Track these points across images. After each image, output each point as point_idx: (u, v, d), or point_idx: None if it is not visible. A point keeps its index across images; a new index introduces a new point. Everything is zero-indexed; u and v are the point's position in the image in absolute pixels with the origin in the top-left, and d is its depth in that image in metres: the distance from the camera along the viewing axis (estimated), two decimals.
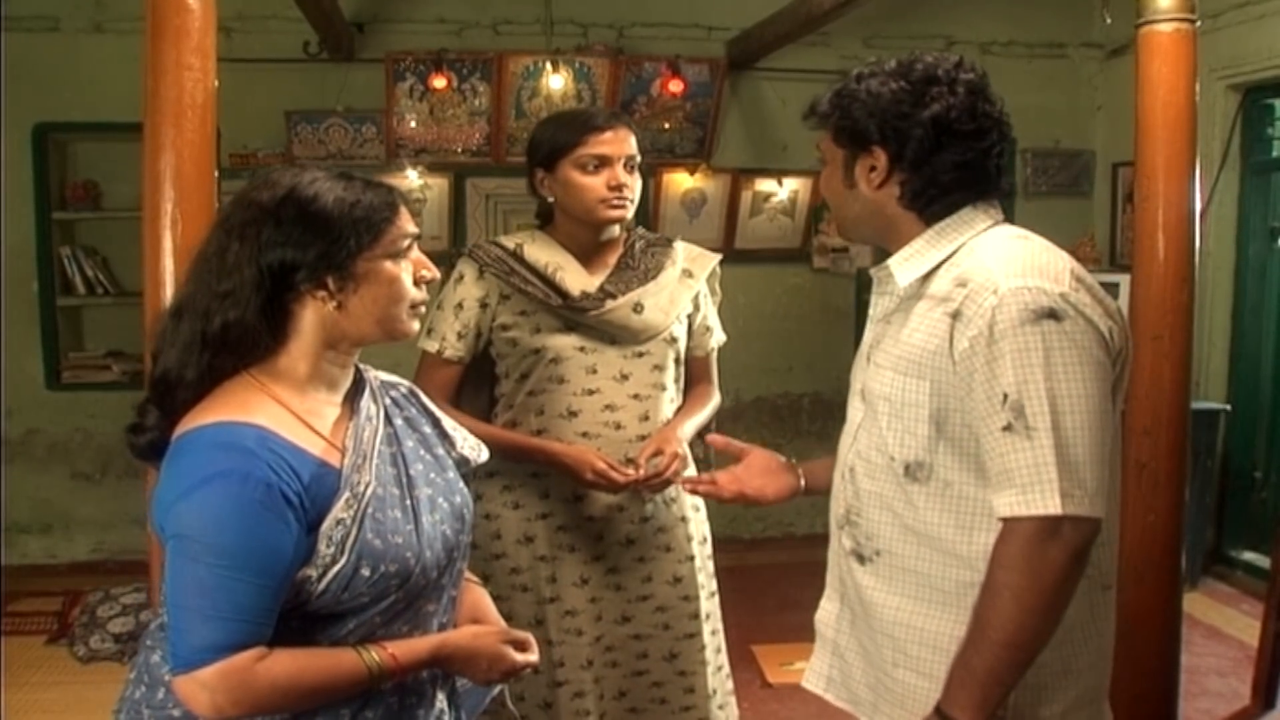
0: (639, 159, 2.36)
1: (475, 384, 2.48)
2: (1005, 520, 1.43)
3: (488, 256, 2.37)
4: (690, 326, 2.51)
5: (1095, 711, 1.60)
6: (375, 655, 1.40)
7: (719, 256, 2.55)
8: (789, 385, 5.61)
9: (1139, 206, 2.56)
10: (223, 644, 1.31)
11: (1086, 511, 1.40)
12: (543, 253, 2.39)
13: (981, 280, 1.48)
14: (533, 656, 1.58)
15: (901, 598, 1.58)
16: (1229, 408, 4.97)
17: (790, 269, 5.58)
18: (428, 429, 1.63)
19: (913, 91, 1.55)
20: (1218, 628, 4.40)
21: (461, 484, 1.62)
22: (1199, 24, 2.49)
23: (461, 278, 2.39)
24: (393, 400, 1.61)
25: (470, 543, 1.64)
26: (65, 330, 5.13)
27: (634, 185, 2.35)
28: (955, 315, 1.49)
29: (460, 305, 2.37)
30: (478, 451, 1.70)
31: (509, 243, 2.41)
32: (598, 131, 2.31)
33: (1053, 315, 1.43)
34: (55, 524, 5.15)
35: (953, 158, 1.56)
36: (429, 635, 1.50)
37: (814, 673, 1.78)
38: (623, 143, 2.32)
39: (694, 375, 2.56)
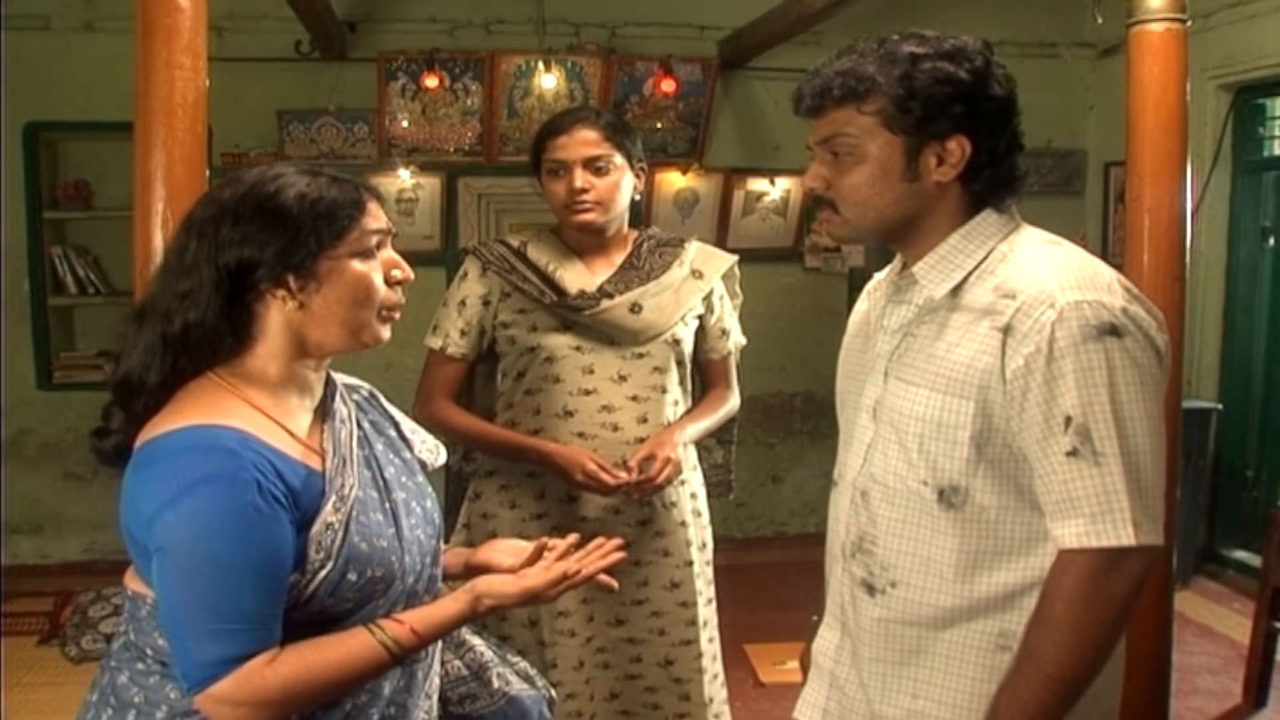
0: (612, 157, 2.32)
1: (485, 382, 2.49)
2: (1067, 551, 1.35)
3: (491, 254, 2.38)
4: (704, 328, 2.48)
5: None
6: (390, 631, 1.36)
7: (735, 258, 2.52)
8: (781, 385, 5.61)
9: (1130, 206, 2.57)
10: (233, 656, 1.26)
11: (1154, 540, 1.34)
12: (545, 251, 2.39)
13: (1034, 292, 1.38)
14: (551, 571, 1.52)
15: (920, 627, 1.50)
16: (1220, 407, 4.98)
17: (782, 268, 5.58)
18: (392, 432, 1.60)
19: (982, 73, 1.44)
20: (1209, 626, 4.41)
21: (430, 489, 1.58)
22: (1190, 24, 2.49)
23: (466, 275, 2.40)
24: (356, 404, 1.56)
25: (442, 548, 1.61)
26: (56, 330, 5.11)
27: (602, 185, 2.31)
28: (1006, 330, 1.38)
29: (463, 303, 2.38)
30: (435, 455, 1.65)
31: (513, 241, 2.42)
32: (553, 136, 2.32)
33: (1114, 331, 1.34)
34: (47, 524, 5.14)
35: (1016, 148, 1.49)
36: (448, 598, 1.46)
37: (808, 704, 1.68)
38: (579, 145, 2.29)
39: (710, 379, 2.54)
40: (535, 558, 1.56)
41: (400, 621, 1.37)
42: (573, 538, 1.60)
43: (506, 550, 1.64)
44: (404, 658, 1.38)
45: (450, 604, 1.44)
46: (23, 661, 4.04)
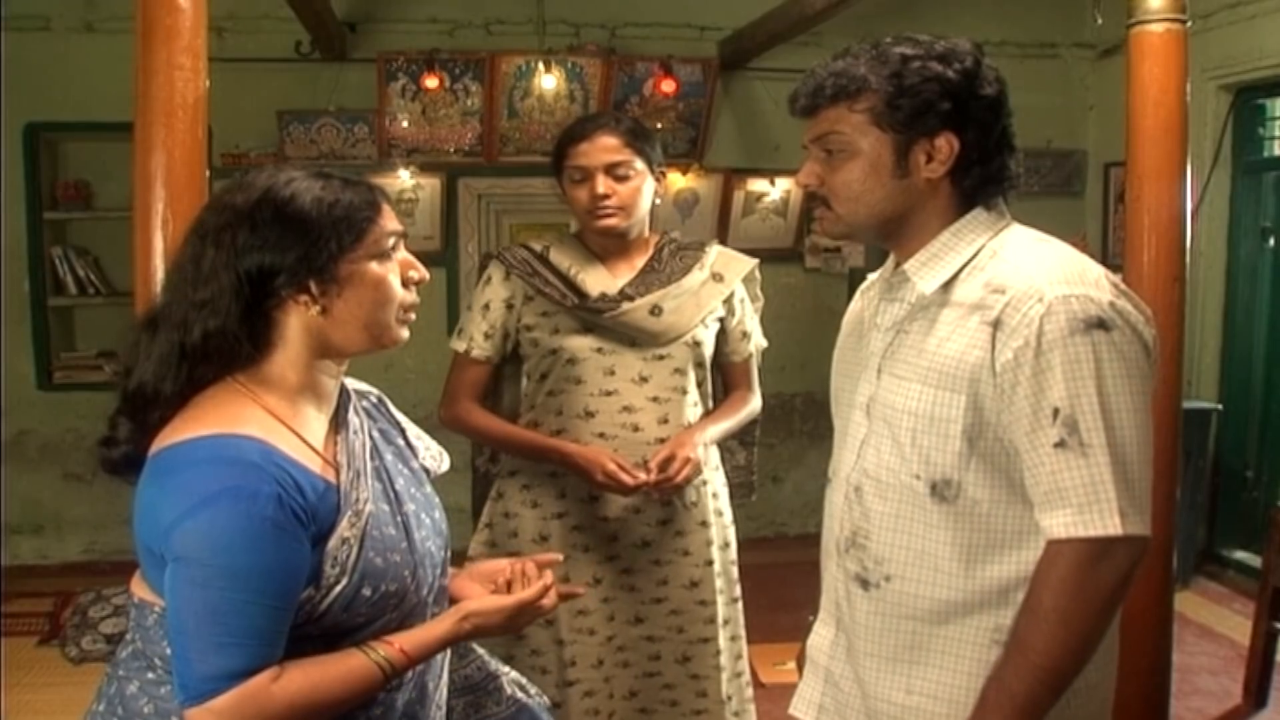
0: (633, 162, 2.33)
1: (510, 384, 2.52)
2: (1055, 541, 1.37)
3: (514, 258, 2.40)
4: (725, 331, 2.50)
5: None
6: (382, 651, 1.35)
7: (755, 261, 2.54)
8: (781, 385, 5.60)
9: (1130, 206, 2.57)
10: (237, 670, 1.24)
11: (1141, 530, 1.36)
12: (568, 255, 2.41)
13: (1023, 287, 1.40)
14: (545, 597, 1.55)
15: (915, 621, 1.51)
16: (1220, 407, 4.99)
17: (782, 269, 5.57)
18: (400, 441, 1.58)
19: (971, 73, 1.46)
20: (1209, 626, 4.41)
21: (437, 499, 1.57)
22: (1190, 24, 2.49)
23: (489, 279, 2.43)
24: (365, 411, 1.54)
25: (450, 557, 1.60)
26: (56, 330, 5.12)
27: (624, 191, 2.33)
28: (995, 324, 1.41)
29: (487, 306, 2.41)
30: (438, 462, 1.63)
31: (537, 245, 2.45)
32: (574, 143, 2.34)
33: (1102, 325, 1.36)
34: (47, 524, 5.14)
35: (1007, 147, 1.51)
36: (435, 620, 1.46)
37: (804, 700, 1.69)
38: (600, 152, 2.31)
39: (731, 381, 2.57)
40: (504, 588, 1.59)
41: (390, 643, 1.37)
42: (548, 577, 1.60)
43: (480, 575, 1.65)
44: (395, 677, 1.39)
45: (437, 625, 1.45)
46: (23, 662, 4.04)
